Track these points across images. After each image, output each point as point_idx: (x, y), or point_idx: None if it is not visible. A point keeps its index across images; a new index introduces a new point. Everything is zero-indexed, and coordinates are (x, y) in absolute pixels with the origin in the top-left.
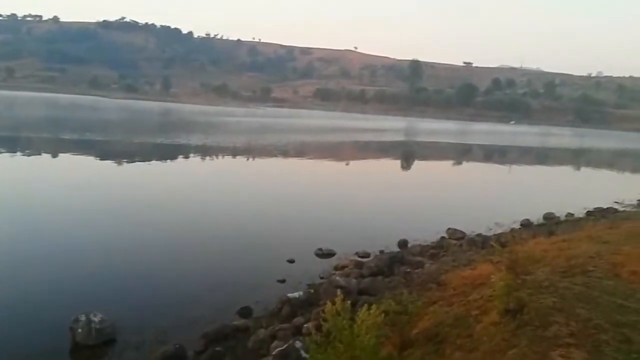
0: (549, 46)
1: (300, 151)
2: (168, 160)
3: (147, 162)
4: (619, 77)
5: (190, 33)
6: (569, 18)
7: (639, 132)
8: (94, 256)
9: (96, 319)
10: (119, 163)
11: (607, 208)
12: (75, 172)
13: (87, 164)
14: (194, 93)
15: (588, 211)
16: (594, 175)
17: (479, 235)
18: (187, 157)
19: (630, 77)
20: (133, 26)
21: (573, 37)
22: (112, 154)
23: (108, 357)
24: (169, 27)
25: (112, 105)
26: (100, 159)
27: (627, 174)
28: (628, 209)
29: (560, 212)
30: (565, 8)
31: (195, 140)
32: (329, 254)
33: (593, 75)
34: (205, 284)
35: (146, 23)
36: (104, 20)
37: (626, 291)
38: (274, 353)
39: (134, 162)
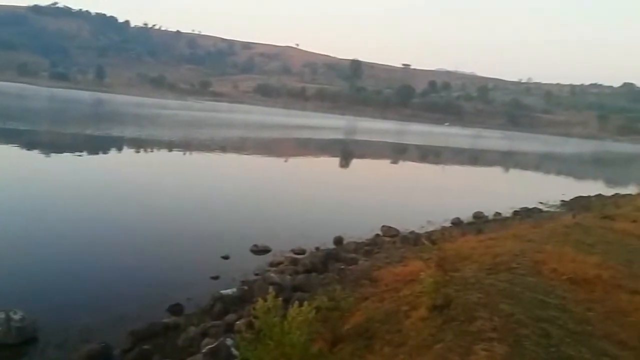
0: (482, 52)
1: (238, 147)
2: (98, 153)
3: (75, 154)
4: (546, 84)
5: (127, 22)
6: (502, 26)
7: (563, 137)
8: (14, 251)
9: (16, 317)
10: (46, 154)
11: (532, 208)
12: None
13: (8, 154)
14: (130, 84)
15: (515, 211)
16: (521, 177)
17: (412, 232)
18: (119, 150)
19: (558, 84)
20: (66, 12)
21: (505, 44)
22: (38, 144)
23: (29, 357)
24: (104, 14)
25: (41, 93)
26: (25, 149)
27: (552, 176)
28: (551, 209)
29: (489, 212)
30: (498, 16)
31: (128, 132)
32: (265, 251)
33: (523, 81)
34: (135, 280)
35: (80, 9)
36: (35, 5)
37: (547, 288)
38: (204, 351)
39: (62, 153)
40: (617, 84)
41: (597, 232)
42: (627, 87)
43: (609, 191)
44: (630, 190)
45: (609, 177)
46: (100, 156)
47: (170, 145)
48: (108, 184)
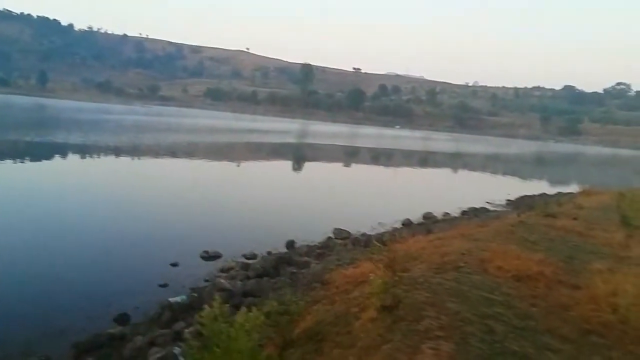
0: (430, 56)
1: (187, 152)
2: (40, 160)
3: (14, 162)
4: (492, 87)
5: (71, 25)
6: (448, 31)
7: (508, 138)
8: None
9: None
10: None
11: (480, 208)
12: None
13: None
14: (74, 89)
15: (463, 211)
16: (469, 178)
17: (363, 234)
18: (63, 156)
19: (503, 87)
20: (6, 15)
21: (452, 49)
22: None
23: None
24: (46, 18)
25: None
26: None
27: (498, 176)
28: (498, 208)
29: (439, 212)
30: (444, 21)
31: (71, 139)
32: (215, 256)
33: (470, 84)
34: (79, 290)
35: (21, 13)
36: None
37: (492, 285)
38: None
39: None
40: (558, 86)
41: (540, 229)
42: (568, 89)
43: (551, 190)
44: (572, 188)
45: (551, 176)
46: (41, 163)
47: (115, 152)
48: (48, 191)
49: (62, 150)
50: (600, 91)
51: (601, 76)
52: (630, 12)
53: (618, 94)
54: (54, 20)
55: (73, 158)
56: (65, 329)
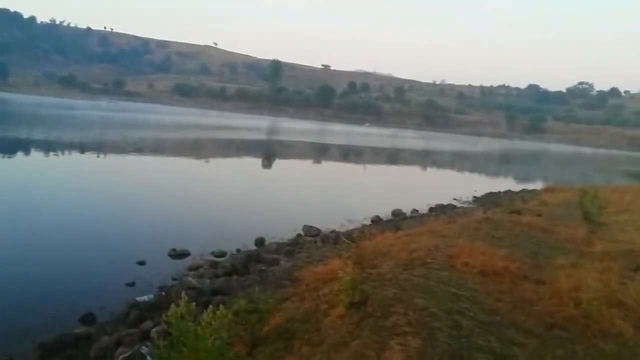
0: (399, 54)
1: (154, 149)
2: (0, 156)
3: None
4: (459, 85)
5: (33, 18)
6: (415, 29)
7: (475, 136)
8: None
9: None
10: None
11: (447, 204)
12: None
13: None
14: (36, 83)
15: (430, 207)
16: (437, 175)
17: (332, 231)
18: (26, 152)
19: (469, 85)
20: None
21: (420, 47)
22: None
23: None
24: (7, 10)
25: None
26: None
27: (465, 174)
28: (464, 205)
29: (407, 209)
30: (411, 20)
31: (34, 134)
32: (183, 254)
33: (437, 82)
34: (44, 289)
35: None
36: None
37: (459, 280)
38: None
39: None
40: (523, 85)
41: (505, 226)
42: (532, 88)
43: (517, 187)
44: (536, 185)
45: (516, 173)
46: (2, 160)
47: (81, 147)
48: (10, 188)
49: (24, 146)
50: (564, 90)
51: (564, 76)
52: (592, 12)
53: (580, 93)
54: (15, 12)
55: (36, 154)
56: (29, 329)
